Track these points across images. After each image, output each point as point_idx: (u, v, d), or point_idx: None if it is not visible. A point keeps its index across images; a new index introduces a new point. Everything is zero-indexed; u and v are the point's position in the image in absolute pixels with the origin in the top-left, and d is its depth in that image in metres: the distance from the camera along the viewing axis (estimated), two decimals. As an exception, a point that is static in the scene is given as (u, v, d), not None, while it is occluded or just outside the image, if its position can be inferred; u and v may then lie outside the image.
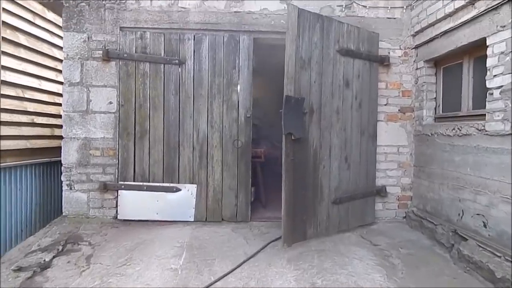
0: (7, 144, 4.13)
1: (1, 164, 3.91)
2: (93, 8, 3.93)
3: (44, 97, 4.87)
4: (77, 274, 2.95)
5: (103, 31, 3.94)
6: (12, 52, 4.28)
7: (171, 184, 4.01)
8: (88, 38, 3.94)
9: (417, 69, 4.05)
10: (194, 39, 3.98)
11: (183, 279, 2.80)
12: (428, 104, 3.92)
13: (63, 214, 4.02)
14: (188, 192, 4.03)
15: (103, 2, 3.92)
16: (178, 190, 4.01)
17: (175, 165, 4.02)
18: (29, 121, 4.59)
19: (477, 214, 3.03)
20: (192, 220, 4.04)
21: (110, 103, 3.97)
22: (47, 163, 4.67)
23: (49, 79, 4.93)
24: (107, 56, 3.90)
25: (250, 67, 4.02)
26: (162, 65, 3.97)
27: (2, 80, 4.00)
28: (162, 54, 3.97)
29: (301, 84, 3.24)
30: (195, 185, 4.04)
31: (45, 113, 4.85)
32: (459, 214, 3.27)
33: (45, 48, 4.90)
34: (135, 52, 3.95)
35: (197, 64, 3.99)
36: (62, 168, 3.98)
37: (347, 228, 3.79)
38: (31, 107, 4.66)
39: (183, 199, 4.02)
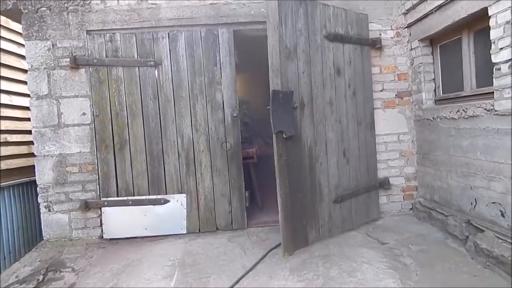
0: (-23, 168, 3.81)
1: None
2: (55, 13, 3.59)
3: (16, 113, 4.54)
4: (57, 309, 2.64)
5: (68, 37, 3.60)
6: (-26, 68, 3.95)
7: (158, 196, 3.70)
8: (52, 45, 3.60)
9: (411, 49, 3.76)
10: (169, 37, 3.66)
11: (175, 304, 2.51)
12: (427, 86, 3.64)
13: (44, 238, 3.70)
14: (177, 202, 3.72)
15: (66, 5, 3.58)
16: (166, 201, 3.70)
17: (161, 175, 3.71)
18: (1, 140, 4.26)
19: (493, 203, 2.76)
20: (185, 232, 3.74)
21: (84, 114, 3.64)
22: (26, 183, 4.34)
23: (20, 93, 4.58)
24: (75, 64, 3.57)
25: (232, 63, 3.70)
26: (137, 68, 3.64)
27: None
28: (136, 57, 3.64)
29: (288, 76, 2.93)
30: (185, 195, 3.73)
31: (19, 130, 4.52)
32: (471, 203, 3.00)
33: (12, 61, 4.56)
34: (106, 56, 3.62)
35: (174, 64, 3.67)
36: (38, 189, 3.66)
37: (352, 227, 3.51)
38: (2, 125, 4.32)
39: (173, 210, 3.72)
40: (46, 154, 3.64)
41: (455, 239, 3.11)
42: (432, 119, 3.48)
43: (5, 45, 4.40)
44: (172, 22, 3.65)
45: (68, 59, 3.57)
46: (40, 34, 3.59)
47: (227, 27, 3.68)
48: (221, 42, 3.68)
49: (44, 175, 3.64)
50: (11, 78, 4.51)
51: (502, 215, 2.66)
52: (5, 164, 4.22)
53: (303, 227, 3.07)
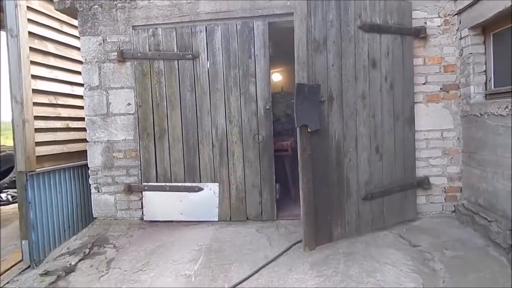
0: (44, 150, 4.29)
1: (40, 169, 4.06)
2: (106, 10, 3.89)
3: (77, 102, 5.00)
4: (96, 279, 2.95)
5: (116, 32, 3.90)
6: (41, 61, 4.43)
7: (193, 184, 3.89)
8: (103, 40, 3.92)
9: (461, 38, 3.45)
10: (206, 31, 3.77)
11: (195, 287, 2.66)
12: (476, 79, 3.32)
13: (94, 216, 4.11)
14: (210, 191, 3.88)
15: (114, 2, 3.86)
16: (200, 189, 3.88)
17: (196, 164, 3.89)
18: (64, 126, 4.75)
19: (540, 210, 2.48)
20: (217, 220, 3.89)
21: (129, 104, 3.93)
22: (85, 165, 4.82)
23: (81, 84, 5.05)
24: (122, 57, 3.85)
25: (266, 55, 3.72)
26: (176, 61, 3.83)
27: (34, 89, 4.14)
28: (175, 50, 3.82)
29: (316, 69, 2.88)
30: (217, 184, 3.88)
31: (79, 117, 4.98)
32: (517, 210, 2.72)
33: (74, 54, 5.01)
34: (149, 50, 3.86)
35: (210, 57, 3.79)
36: (89, 171, 4.05)
37: (383, 226, 3.38)
38: (65, 112, 4.81)
39: (206, 198, 3.88)
40: (96, 140, 4.00)
41: (498, 247, 2.85)
42: (479, 115, 3.18)
43: (68, 40, 4.87)
44: (209, 16, 3.76)
45: (115, 53, 3.87)
46: (93, 30, 3.93)
47: (262, 20, 3.69)
48: (256, 34, 3.71)
49: (94, 159, 4.02)
50: (73, 70, 4.98)
51: (550, 225, 2.38)
52: (67, 148, 4.71)
53: (328, 222, 3.04)
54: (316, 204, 2.94)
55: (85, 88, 3.98)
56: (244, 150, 3.82)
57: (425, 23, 3.55)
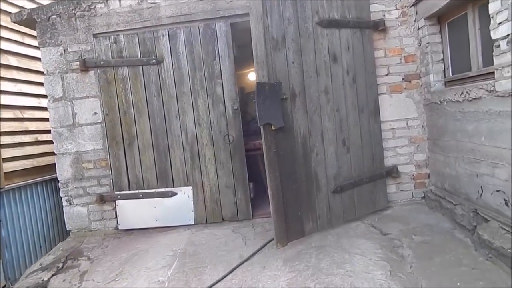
0: (12, 166, 4.19)
1: (9, 186, 3.96)
2: (65, 19, 3.82)
3: (45, 114, 4.87)
4: (68, 293, 2.90)
5: (77, 41, 3.83)
6: (3, 75, 4.33)
7: (166, 189, 3.86)
8: (64, 50, 3.85)
9: (418, 29, 3.54)
10: (168, 35, 3.75)
11: (168, 292, 2.65)
12: (435, 67, 3.42)
13: (67, 229, 4.03)
14: (184, 195, 3.86)
15: (73, 11, 3.79)
16: (174, 194, 3.86)
17: (168, 169, 3.86)
18: (32, 140, 4.66)
19: (497, 191, 2.57)
20: (192, 223, 3.88)
21: (95, 113, 3.88)
22: (57, 179, 4.72)
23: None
24: (85, 66, 3.79)
25: (231, 56, 3.73)
26: (140, 67, 3.79)
27: (-1, 104, 4.05)
28: (139, 56, 3.79)
29: (276, 67, 2.90)
30: (191, 187, 3.86)
31: (48, 130, 4.89)
32: (478, 192, 2.81)
33: (39, 66, 4.91)
34: (112, 57, 3.81)
35: (175, 60, 3.77)
36: (59, 184, 3.98)
37: (355, 217, 3.44)
38: (32, 126, 4.71)
39: (180, 202, 3.87)
40: (64, 152, 3.93)
41: (463, 229, 2.94)
42: (439, 102, 3.27)
43: (31, 52, 4.76)
44: (171, 19, 3.74)
45: (78, 63, 3.80)
46: (53, 41, 3.85)
47: (225, 21, 3.70)
48: (219, 36, 3.71)
49: (63, 171, 3.94)
50: (39, 82, 4.88)
51: (506, 204, 2.47)
52: (37, 162, 4.61)
53: (299, 218, 3.07)
54: (285, 201, 2.97)
55: (49, 100, 3.91)
56: (215, 152, 3.82)
57: (384, 15, 3.62)
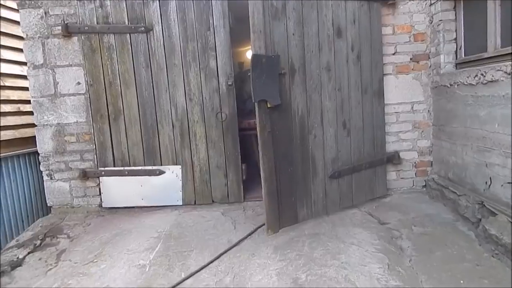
0: (-9, 137, 3.95)
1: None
2: (46, -22, 3.48)
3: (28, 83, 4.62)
4: (42, 273, 2.70)
5: (59, 4, 3.50)
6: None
7: (154, 167, 3.64)
8: (45, 13, 3.53)
9: (431, 4, 3.26)
10: (159, 0, 3.44)
11: (148, 277, 2.46)
12: (447, 47, 3.16)
13: (48, 205, 3.82)
14: (172, 174, 3.65)
15: (55, -31, 3.45)
16: (161, 172, 3.64)
17: (156, 146, 3.63)
18: (14, 110, 4.37)
19: (508, 183, 2.37)
20: (181, 204, 3.68)
21: (78, 83, 3.60)
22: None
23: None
24: (67, 32, 3.48)
25: (226, 27, 3.43)
26: (128, 34, 3.49)
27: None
28: (126, 22, 3.48)
29: (275, 38, 2.63)
30: (179, 166, 3.64)
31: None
32: (486, 183, 2.62)
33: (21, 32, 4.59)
34: (97, 23, 3.50)
35: (166, 29, 3.47)
36: (40, 157, 3.74)
37: (352, 204, 3.25)
38: (14, 95, 4.42)
39: (168, 182, 3.65)
40: (45, 123, 3.67)
41: (466, 222, 2.77)
42: (449, 85, 3.03)
43: (14, 16, 4.41)
44: (162, -17, 3.41)
45: (60, 27, 3.49)
46: (33, 2, 3.52)
47: (221, -13, 3.39)
48: (214, 3, 3.40)
49: (44, 144, 3.70)
50: (21, 49, 4.56)
51: (518, 197, 2.28)
52: (19, 133, 4.34)
53: (292, 203, 2.87)
54: (279, 185, 2.76)
55: (28, 67, 3.61)
56: (206, 130, 3.59)
57: (390, -12, 3.32)
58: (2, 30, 4.08)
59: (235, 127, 3.58)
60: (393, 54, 3.40)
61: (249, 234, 2.94)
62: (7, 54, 4.23)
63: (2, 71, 4.19)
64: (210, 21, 3.43)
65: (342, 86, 3.05)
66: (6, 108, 4.37)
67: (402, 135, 3.49)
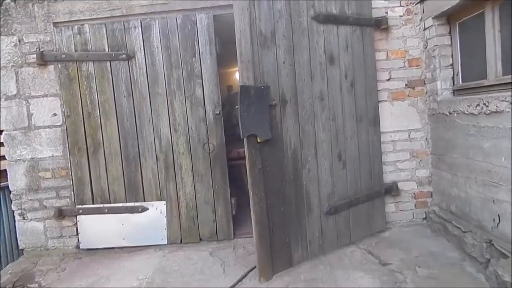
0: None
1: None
2: (20, 5, 3.28)
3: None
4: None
5: (35, 30, 3.30)
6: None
7: (136, 204, 3.37)
8: (19, 41, 3.31)
9: (425, 29, 3.15)
10: (141, 27, 3.26)
11: None
12: (443, 73, 3.03)
13: (20, 247, 3.50)
14: (156, 210, 3.38)
15: (30, -5, 3.26)
16: (144, 209, 3.37)
17: (138, 180, 3.37)
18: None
19: (520, 222, 2.18)
20: (166, 243, 3.40)
21: (55, 114, 3.35)
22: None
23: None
24: (43, 60, 3.27)
25: (213, 53, 3.26)
26: (108, 62, 3.29)
27: None
28: (107, 50, 3.28)
29: (264, 68, 2.46)
30: (164, 202, 3.38)
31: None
32: (494, 220, 2.42)
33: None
34: (75, 50, 3.29)
35: (148, 56, 3.28)
36: (11, 195, 3.44)
37: (350, 241, 3.02)
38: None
39: (152, 219, 3.38)
40: (18, 158, 3.39)
41: (474, 261, 2.56)
42: (448, 113, 2.88)
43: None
44: (144, 9, 3.25)
45: (35, 55, 3.27)
46: (6, 29, 3.31)
47: (206, 12, 3.23)
48: (199, 29, 3.24)
49: (16, 180, 3.41)
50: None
51: (532, 239, 2.09)
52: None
53: (286, 245, 2.63)
54: (271, 226, 2.53)
55: (1, 98, 3.36)
56: (193, 162, 3.35)
57: (386, 12, 3.22)
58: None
59: (224, 158, 3.36)
60: (388, 80, 3.26)
61: (240, 280, 2.67)
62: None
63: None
64: (196, 48, 3.26)
65: (336, 115, 2.87)
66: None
67: (399, 165, 3.31)
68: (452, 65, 3.02)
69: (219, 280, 2.72)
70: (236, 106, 2.27)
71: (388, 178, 3.30)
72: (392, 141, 3.29)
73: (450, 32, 3.01)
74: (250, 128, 2.32)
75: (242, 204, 3.68)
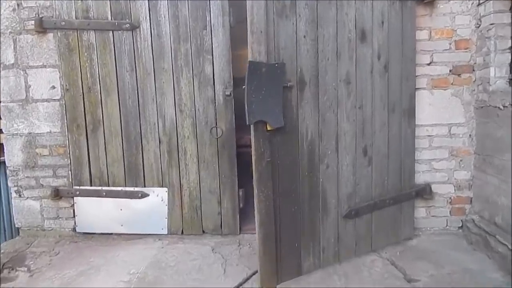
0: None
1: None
2: (19, -37, 2.99)
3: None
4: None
5: (34, -6, 3.01)
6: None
7: (136, 188, 3.10)
8: (17, 5, 3.03)
9: (479, 5, 2.63)
10: (148, -8, 2.90)
11: None
12: (499, 58, 2.51)
13: (16, 226, 3.33)
14: (157, 197, 3.10)
15: (30, -47, 2.95)
16: (145, 195, 3.09)
17: (139, 164, 3.09)
18: None
19: None
20: (166, 233, 3.13)
21: (53, 87, 3.09)
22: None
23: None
24: (42, 27, 2.98)
25: (226, 25, 2.86)
26: (111, 32, 2.96)
27: None
28: (109, 18, 2.95)
29: (280, 42, 2.05)
30: (166, 189, 3.09)
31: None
32: (554, 241, 1.96)
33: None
34: (76, 17, 2.98)
35: (155, 27, 2.93)
36: (8, 171, 3.24)
37: (371, 249, 2.63)
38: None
39: (152, 206, 3.11)
40: (15, 132, 3.17)
41: (522, 287, 2.11)
42: (501, 107, 2.39)
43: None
44: (152, -28, 2.87)
45: (33, 22, 2.99)
46: (4, -9, 3.03)
47: (221, -23, 2.82)
48: (212, -3, 2.84)
49: (13, 156, 3.20)
50: None
51: None
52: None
53: (295, 251, 2.27)
54: (279, 229, 2.17)
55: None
56: (199, 147, 3.02)
57: (433, -17, 2.69)
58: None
59: (233, 144, 3.01)
60: (428, 64, 2.77)
61: (241, 284, 2.36)
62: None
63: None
64: (207, 19, 2.87)
65: (364, 103, 2.44)
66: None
67: (435, 164, 2.85)
68: (510, 48, 2.50)
69: (218, 281, 2.42)
70: (243, 86, 1.89)
71: (421, 178, 2.85)
72: (429, 136, 2.83)
73: (511, 8, 2.47)
74: (259, 114, 1.94)
75: (250, 196, 3.32)
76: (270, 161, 2.04)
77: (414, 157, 2.79)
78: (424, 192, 2.82)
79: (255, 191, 2.03)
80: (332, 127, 2.31)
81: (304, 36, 2.13)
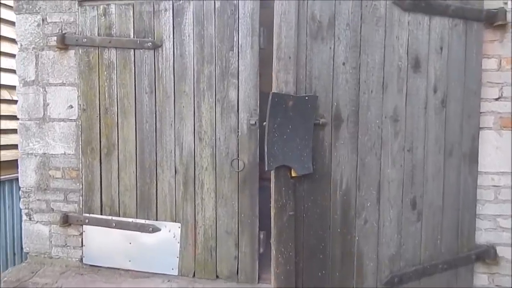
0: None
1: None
2: (46, -21, 2.89)
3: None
4: None
5: (59, 9, 2.89)
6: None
7: (147, 221, 2.81)
8: (42, 20, 2.93)
9: None
10: (173, 9, 2.67)
11: None
12: None
13: (24, 250, 3.15)
14: (169, 233, 2.79)
15: (58, -31, 2.85)
16: (156, 229, 2.80)
17: (152, 194, 2.81)
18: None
19: None
20: (176, 273, 2.80)
21: (71, 107, 2.92)
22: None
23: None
24: (64, 43, 2.84)
25: (255, 46, 2.55)
26: (132, 50, 2.76)
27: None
28: (132, 35, 2.76)
29: (313, 70, 1.69)
30: (179, 224, 2.78)
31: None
32: None
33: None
34: (98, 34, 2.82)
35: (178, 46, 2.68)
36: (20, 192, 3.09)
37: (416, 324, 2.12)
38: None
39: (163, 243, 2.80)
40: (30, 152, 3.03)
41: None
42: None
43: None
44: (179, -12, 2.65)
45: (56, 37, 2.86)
46: (30, 7, 2.94)
47: (252, -5, 2.53)
48: (241, 16, 2.55)
49: (27, 176, 3.05)
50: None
51: None
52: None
53: (320, 325, 1.83)
54: (300, 297, 1.75)
55: (19, 84, 3.02)
56: (217, 181, 2.69)
57: (505, 3, 2.23)
58: (2, 34, 3.59)
59: (255, 180, 2.65)
60: (497, 99, 2.27)
61: None
62: (8, 63, 3.74)
63: (2, 83, 3.70)
64: (235, 39, 2.58)
65: (415, 145, 1.99)
66: (10, 124, 3.90)
67: (502, 221, 2.31)
68: None
69: None
70: (264, 123, 1.53)
71: (482, 238, 2.32)
72: (494, 186, 2.30)
73: None
74: (282, 157, 1.57)
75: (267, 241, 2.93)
76: (293, 215, 1.65)
77: (475, 212, 2.27)
78: (487, 256, 2.28)
79: (273, 252, 1.65)
80: (374, 173, 1.89)
81: (344, 63, 1.76)
